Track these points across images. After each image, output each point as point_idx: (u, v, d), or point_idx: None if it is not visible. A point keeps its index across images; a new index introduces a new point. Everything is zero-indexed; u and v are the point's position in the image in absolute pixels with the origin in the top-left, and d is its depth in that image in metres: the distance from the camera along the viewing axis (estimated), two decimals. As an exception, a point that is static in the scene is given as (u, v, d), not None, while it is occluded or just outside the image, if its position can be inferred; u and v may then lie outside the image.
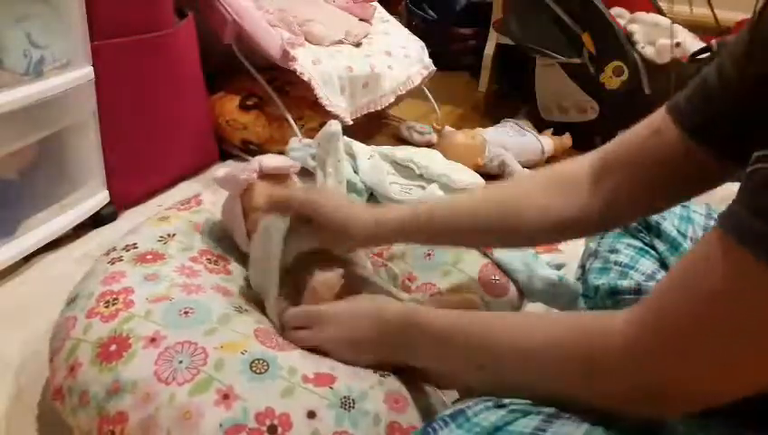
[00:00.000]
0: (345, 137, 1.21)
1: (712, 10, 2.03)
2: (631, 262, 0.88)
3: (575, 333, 0.53)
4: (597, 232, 0.91)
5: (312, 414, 0.64)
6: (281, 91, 1.59)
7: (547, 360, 0.55)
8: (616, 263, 0.89)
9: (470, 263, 0.97)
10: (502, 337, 0.59)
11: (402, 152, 1.17)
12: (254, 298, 0.86)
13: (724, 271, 0.43)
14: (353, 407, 0.66)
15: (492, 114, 2.04)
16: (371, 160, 1.13)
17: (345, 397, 0.67)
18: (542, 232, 0.73)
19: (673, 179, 0.64)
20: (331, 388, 0.68)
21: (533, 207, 0.72)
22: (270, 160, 0.95)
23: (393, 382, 0.71)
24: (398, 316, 0.69)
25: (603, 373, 0.50)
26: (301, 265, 0.83)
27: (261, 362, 0.68)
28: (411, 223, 0.79)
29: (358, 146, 1.15)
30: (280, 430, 0.63)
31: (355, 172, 1.10)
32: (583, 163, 0.72)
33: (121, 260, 0.82)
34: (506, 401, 0.56)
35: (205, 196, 1.01)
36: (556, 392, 0.54)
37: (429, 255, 0.99)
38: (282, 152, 1.22)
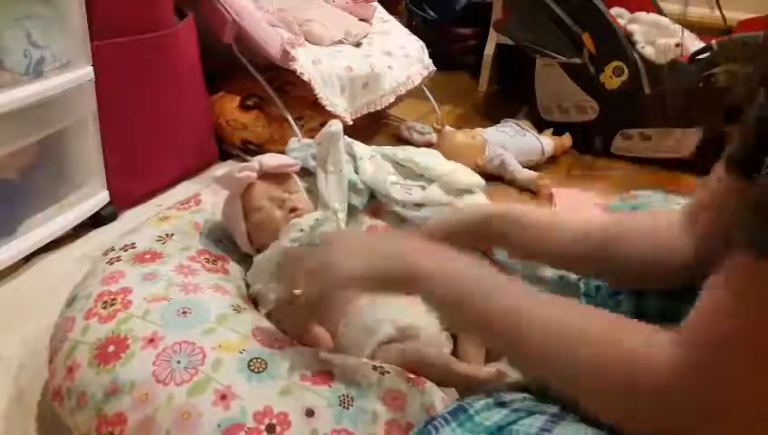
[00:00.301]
0: (346, 137, 1.21)
1: (720, 11, 2.03)
2: None
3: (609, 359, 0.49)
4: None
5: (310, 413, 0.65)
6: (281, 92, 1.59)
7: (585, 370, 0.50)
8: None
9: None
10: (532, 318, 0.54)
11: (403, 152, 1.17)
12: (252, 297, 0.86)
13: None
14: (352, 405, 0.66)
15: (492, 114, 2.04)
16: (372, 160, 1.13)
17: (344, 395, 0.67)
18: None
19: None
20: (329, 386, 0.68)
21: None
22: (270, 160, 0.95)
23: (392, 380, 0.71)
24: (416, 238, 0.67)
25: (647, 397, 0.46)
26: None
27: (259, 361, 0.69)
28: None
29: (359, 146, 1.15)
30: (278, 429, 0.63)
31: (356, 172, 1.10)
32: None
33: (120, 260, 0.83)
34: (507, 398, 0.56)
35: (204, 196, 1.01)
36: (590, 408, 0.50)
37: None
38: (282, 152, 1.22)
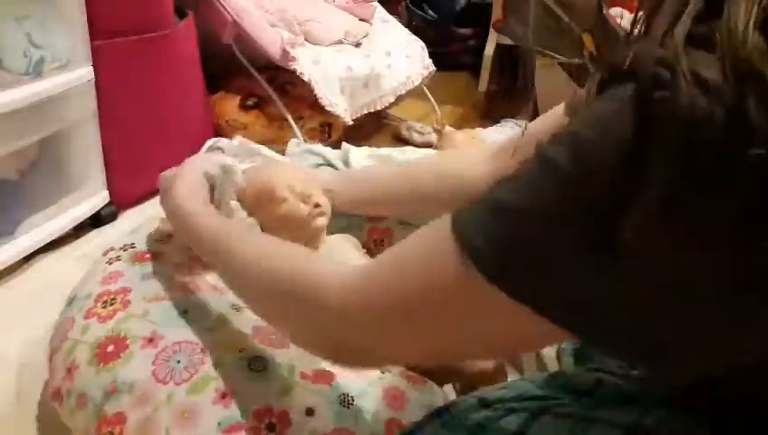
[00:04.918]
0: (344, 144, 1.21)
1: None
2: None
3: (299, 275, 0.54)
4: None
5: (310, 412, 0.64)
6: (281, 91, 1.59)
7: (263, 283, 0.58)
8: None
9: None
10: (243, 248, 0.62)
11: (402, 154, 1.16)
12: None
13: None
14: (352, 404, 0.66)
15: (492, 114, 2.04)
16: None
17: (344, 394, 0.67)
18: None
19: None
20: (329, 385, 0.68)
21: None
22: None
23: (392, 379, 0.71)
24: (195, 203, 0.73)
25: (310, 323, 0.53)
26: None
27: (259, 360, 0.68)
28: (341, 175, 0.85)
29: (354, 154, 1.14)
30: (278, 428, 0.63)
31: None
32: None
33: (119, 260, 0.82)
34: (490, 398, 0.56)
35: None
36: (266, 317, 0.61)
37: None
38: (282, 152, 1.22)
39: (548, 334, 0.41)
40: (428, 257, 0.44)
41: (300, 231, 0.87)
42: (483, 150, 0.80)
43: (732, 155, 0.32)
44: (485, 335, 0.43)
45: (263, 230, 0.89)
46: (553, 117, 0.72)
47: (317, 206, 0.87)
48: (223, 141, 1.02)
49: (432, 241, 0.44)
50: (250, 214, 0.90)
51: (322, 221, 0.88)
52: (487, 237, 0.39)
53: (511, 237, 0.38)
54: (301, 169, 0.97)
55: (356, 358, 0.53)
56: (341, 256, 0.90)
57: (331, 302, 0.49)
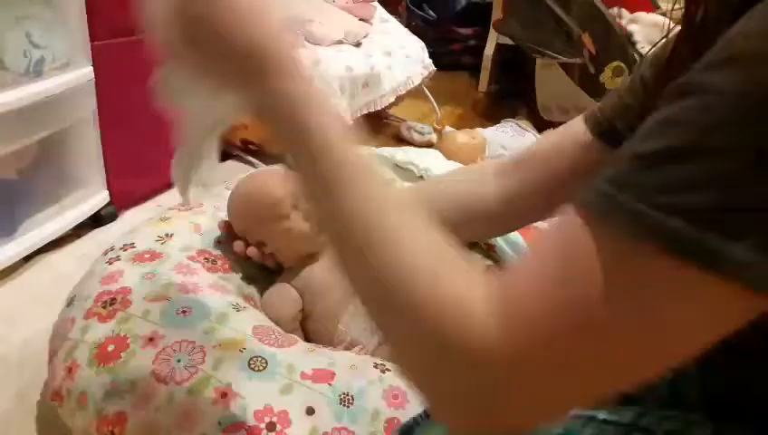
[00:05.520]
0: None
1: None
2: None
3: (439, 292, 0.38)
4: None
5: (310, 411, 0.65)
6: (281, 92, 1.59)
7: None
8: None
9: (471, 264, 0.96)
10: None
11: (402, 154, 1.17)
12: (251, 297, 0.86)
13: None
14: (352, 403, 0.66)
15: (492, 114, 2.05)
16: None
17: (344, 393, 0.67)
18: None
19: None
20: (329, 384, 0.68)
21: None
22: None
23: (392, 378, 0.71)
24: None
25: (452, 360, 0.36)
26: None
27: (259, 359, 0.68)
28: None
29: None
30: (279, 427, 0.63)
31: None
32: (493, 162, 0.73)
33: (119, 260, 0.83)
34: None
35: (206, 198, 1.01)
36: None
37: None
38: (282, 153, 1.22)
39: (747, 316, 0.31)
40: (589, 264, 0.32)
41: (303, 246, 0.86)
42: (485, 166, 0.75)
43: None
44: (676, 337, 0.32)
45: (256, 242, 0.87)
46: (569, 130, 0.67)
47: None
48: None
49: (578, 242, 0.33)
50: (241, 225, 0.88)
51: None
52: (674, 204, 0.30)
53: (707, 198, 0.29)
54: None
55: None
56: None
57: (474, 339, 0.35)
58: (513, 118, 1.91)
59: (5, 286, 1.10)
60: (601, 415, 0.51)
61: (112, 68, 1.20)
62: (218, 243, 0.93)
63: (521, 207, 0.68)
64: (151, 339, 0.70)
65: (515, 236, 0.98)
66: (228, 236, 0.91)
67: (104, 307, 0.75)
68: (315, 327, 0.86)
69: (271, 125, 0.46)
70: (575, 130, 0.66)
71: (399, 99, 1.78)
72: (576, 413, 0.51)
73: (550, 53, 1.83)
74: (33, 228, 1.16)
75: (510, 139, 1.76)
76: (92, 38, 1.15)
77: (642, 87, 0.59)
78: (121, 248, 0.85)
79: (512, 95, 2.20)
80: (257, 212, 0.86)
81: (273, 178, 0.88)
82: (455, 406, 0.37)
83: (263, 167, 1.48)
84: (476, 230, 0.76)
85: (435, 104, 1.95)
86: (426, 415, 0.56)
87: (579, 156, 0.64)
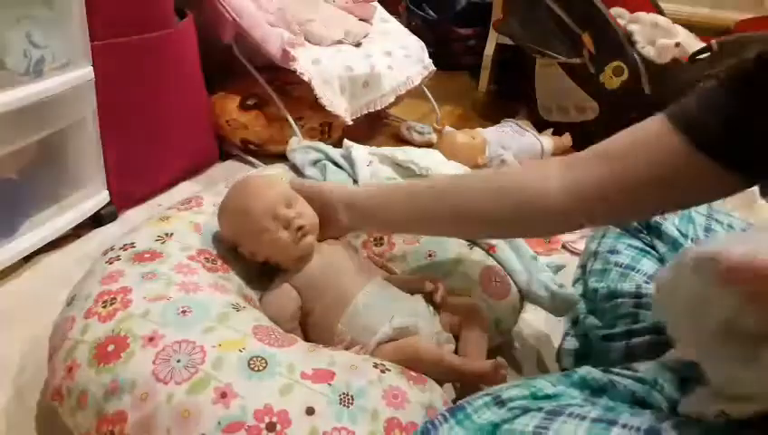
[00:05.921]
0: (346, 140, 1.21)
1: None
2: (632, 262, 0.88)
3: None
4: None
5: (310, 411, 0.65)
6: (281, 91, 1.59)
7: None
8: (616, 264, 0.89)
9: (471, 265, 0.97)
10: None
11: (402, 154, 1.17)
12: (251, 296, 0.86)
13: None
14: (352, 403, 0.66)
15: (492, 114, 2.04)
16: (370, 167, 1.12)
17: (344, 393, 0.67)
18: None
19: (663, 183, 0.62)
20: (329, 384, 0.68)
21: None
22: None
23: (392, 378, 0.71)
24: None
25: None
26: None
27: (259, 359, 0.68)
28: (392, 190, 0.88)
29: (357, 151, 1.14)
30: (279, 427, 0.63)
31: (354, 181, 1.10)
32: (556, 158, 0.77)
33: (119, 259, 0.82)
34: (505, 396, 0.56)
35: (206, 196, 1.01)
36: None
37: (431, 255, 0.99)
38: (282, 152, 1.22)
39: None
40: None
41: (292, 252, 0.87)
42: (546, 163, 0.76)
43: None
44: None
45: (249, 252, 0.89)
46: (643, 131, 0.66)
47: (300, 228, 0.86)
48: None
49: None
50: (230, 239, 0.90)
51: (309, 239, 0.88)
52: None
53: None
54: (280, 183, 0.93)
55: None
56: (337, 265, 0.89)
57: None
58: (513, 118, 1.91)
59: (5, 286, 1.10)
60: (620, 419, 0.51)
61: (112, 68, 1.20)
62: (219, 242, 0.93)
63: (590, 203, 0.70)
64: (151, 339, 0.70)
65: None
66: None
67: (104, 307, 0.75)
68: (315, 326, 0.86)
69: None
70: (655, 129, 0.64)
71: (399, 99, 1.78)
72: (595, 416, 0.51)
73: (550, 53, 1.83)
74: (33, 228, 1.16)
75: (510, 139, 1.76)
76: (92, 38, 1.15)
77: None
78: (121, 248, 0.85)
79: (512, 95, 2.20)
80: (241, 228, 0.88)
81: (252, 191, 0.89)
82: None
83: (262, 166, 1.48)
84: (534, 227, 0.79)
85: (435, 104, 1.95)
86: (444, 418, 0.55)
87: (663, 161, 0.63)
